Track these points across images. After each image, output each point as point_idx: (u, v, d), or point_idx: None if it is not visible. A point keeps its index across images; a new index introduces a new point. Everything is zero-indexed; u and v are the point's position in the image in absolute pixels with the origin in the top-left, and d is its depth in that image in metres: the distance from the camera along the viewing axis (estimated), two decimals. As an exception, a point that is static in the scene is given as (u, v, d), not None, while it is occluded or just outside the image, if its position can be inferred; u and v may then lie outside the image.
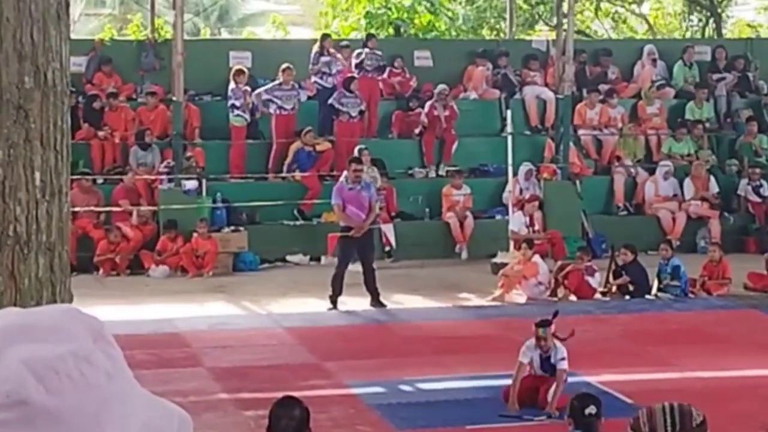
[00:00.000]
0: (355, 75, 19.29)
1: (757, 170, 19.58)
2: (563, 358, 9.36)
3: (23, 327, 1.24)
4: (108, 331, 1.28)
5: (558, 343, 9.46)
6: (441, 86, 19.30)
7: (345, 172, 14.59)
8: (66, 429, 1.20)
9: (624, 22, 30.68)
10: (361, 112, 18.99)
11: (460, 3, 27.59)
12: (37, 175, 4.49)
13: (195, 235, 16.64)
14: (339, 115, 18.84)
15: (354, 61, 19.49)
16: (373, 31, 23.43)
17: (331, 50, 19.33)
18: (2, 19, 4.46)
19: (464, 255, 17.93)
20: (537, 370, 9.53)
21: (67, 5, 4.73)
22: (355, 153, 16.90)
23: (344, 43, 20.47)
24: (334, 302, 14.03)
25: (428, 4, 25.64)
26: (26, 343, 1.22)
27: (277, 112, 18.65)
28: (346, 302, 14.15)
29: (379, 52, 19.66)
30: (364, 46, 19.78)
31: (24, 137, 4.48)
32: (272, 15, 31.76)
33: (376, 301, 14.10)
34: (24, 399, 1.19)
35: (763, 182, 19.46)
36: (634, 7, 30.45)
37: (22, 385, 1.19)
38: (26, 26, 4.49)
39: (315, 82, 19.18)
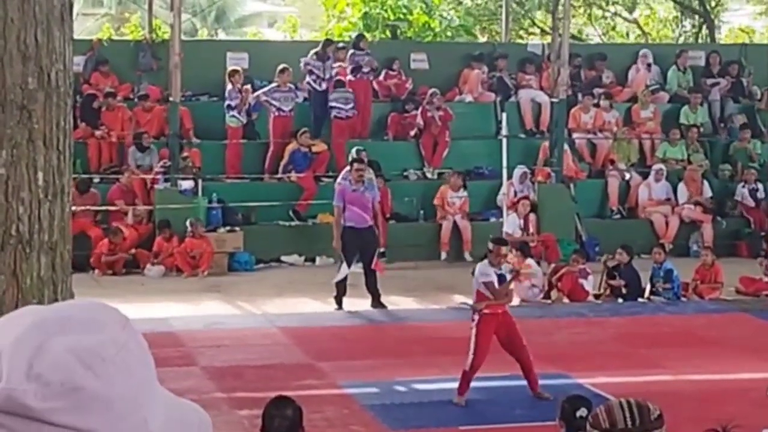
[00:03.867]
0: (352, 78, 19.36)
1: (753, 171, 19.69)
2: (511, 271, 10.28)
3: (59, 320, 1.27)
4: (132, 323, 1.33)
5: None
6: (431, 90, 19.39)
7: (342, 173, 14.61)
8: (114, 413, 1.25)
9: (613, 29, 30.79)
10: (352, 110, 19.00)
11: (453, 6, 27.67)
12: (40, 175, 4.54)
13: (188, 234, 16.72)
14: (330, 114, 18.92)
15: (349, 66, 19.51)
16: (369, 33, 23.49)
17: (337, 55, 19.35)
18: (6, 20, 4.51)
19: (443, 256, 17.95)
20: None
21: (71, 7, 4.78)
22: (353, 154, 16.96)
23: (341, 45, 20.51)
24: (339, 303, 14.08)
25: (423, 6, 25.71)
26: (67, 334, 1.25)
27: (276, 113, 18.71)
28: (345, 303, 14.22)
29: (369, 54, 19.66)
30: (355, 47, 19.83)
31: (27, 137, 4.53)
32: (288, 16, 31.85)
33: (377, 302, 14.14)
34: (77, 386, 1.23)
35: (759, 186, 19.58)
36: (626, 13, 30.55)
37: (74, 373, 1.23)
38: (30, 27, 4.54)
39: (308, 83, 19.19)
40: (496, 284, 9.93)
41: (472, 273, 10.23)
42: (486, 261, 10.07)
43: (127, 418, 1.26)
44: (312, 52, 19.30)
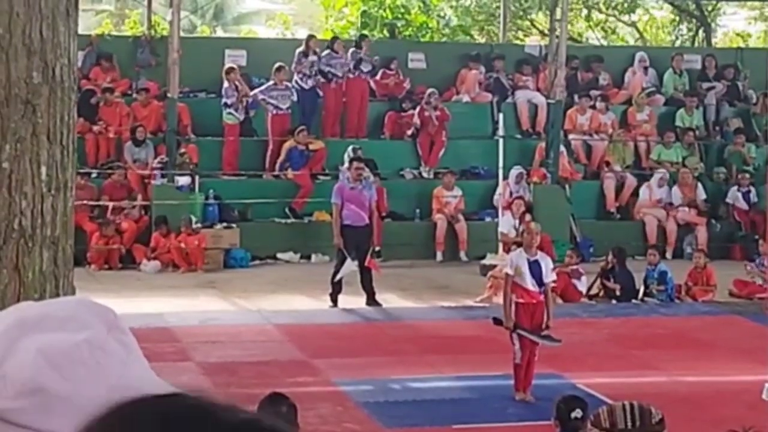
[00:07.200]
0: (350, 75, 19.37)
1: (747, 175, 19.75)
2: (552, 269, 10.31)
3: (38, 318, 1.26)
4: (122, 320, 1.30)
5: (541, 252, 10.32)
6: (428, 90, 19.42)
7: (343, 168, 14.64)
8: (82, 416, 1.20)
9: (613, 32, 30.83)
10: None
11: (451, 6, 27.72)
12: (44, 169, 4.55)
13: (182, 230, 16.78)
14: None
15: (341, 63, 19.43)
16: (367, 32, 23.52)
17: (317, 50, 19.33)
18: (12, 14, 4.53)
19: (439, 256, 17.98)
20: (527, 278, 9.96)
21: (76, 1, 4.81)
22: (350, 153, 16.98)
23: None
24: (334, 300, 14.13)
25: (422, 5, 25.75)
26: (42, 333, 1.23)
27: (274, 112, 18.73)
28: (340, 300, 14.26)
29: (368, 55, 19.68)
30: (357, 46, 19.84)
31: (31, 132, 4.54)
32: (278, 13, 31.89)
33: (372, 300, 14.20)
34: (40, 387, 1.20)
35: (752, 189, 19.64)
36: (624, 16, 30.59)
37: (39, 373, 1.20)
38: (35, 22, 4.56)
39: (296, 81, 19.17)
40: (527, 273, 10.16)
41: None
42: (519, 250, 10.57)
43: None
44: (297, 51, 19.24)
